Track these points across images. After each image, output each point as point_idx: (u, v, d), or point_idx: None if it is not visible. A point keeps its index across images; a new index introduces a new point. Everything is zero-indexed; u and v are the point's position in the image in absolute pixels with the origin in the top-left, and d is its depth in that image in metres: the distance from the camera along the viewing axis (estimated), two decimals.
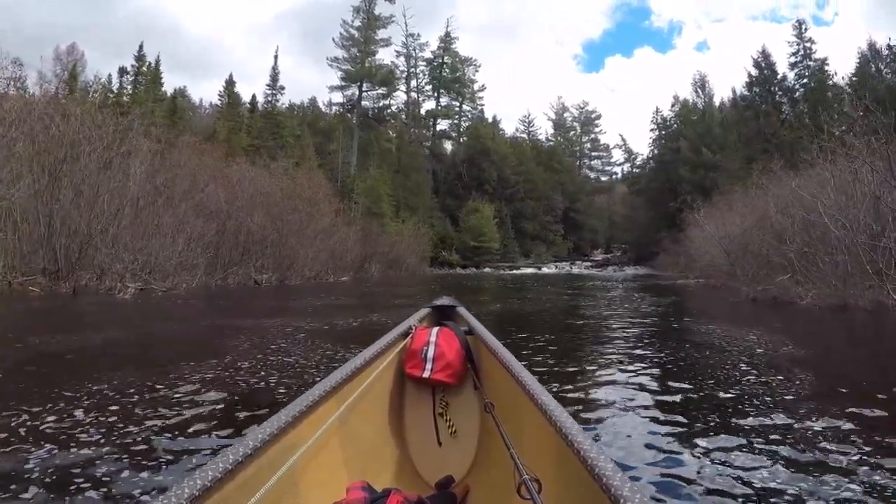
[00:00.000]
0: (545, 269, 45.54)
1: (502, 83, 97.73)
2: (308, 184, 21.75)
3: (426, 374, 1.99)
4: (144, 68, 39.52)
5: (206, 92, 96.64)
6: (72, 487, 1.94)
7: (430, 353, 2.01)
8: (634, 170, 61.74)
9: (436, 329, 2.13)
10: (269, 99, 43.41)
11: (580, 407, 3.34)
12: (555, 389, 3.68)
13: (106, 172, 13.52)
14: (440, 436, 2.02)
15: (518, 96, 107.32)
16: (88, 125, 14.51)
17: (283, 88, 43.77)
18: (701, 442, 2.64)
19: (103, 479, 2.02)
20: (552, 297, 14.23)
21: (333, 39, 49.30)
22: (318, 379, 2.42)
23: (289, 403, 1.38)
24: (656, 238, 41.74)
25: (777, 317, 8.77)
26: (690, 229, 21.76)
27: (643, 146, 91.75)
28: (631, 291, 16.55)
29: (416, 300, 11.14)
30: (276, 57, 46.03)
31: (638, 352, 5.52)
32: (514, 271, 43.08)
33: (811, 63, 39.68)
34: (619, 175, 67.94)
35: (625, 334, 6.71)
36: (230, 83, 44.25)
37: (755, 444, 2.61)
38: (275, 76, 43.49)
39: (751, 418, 3.09)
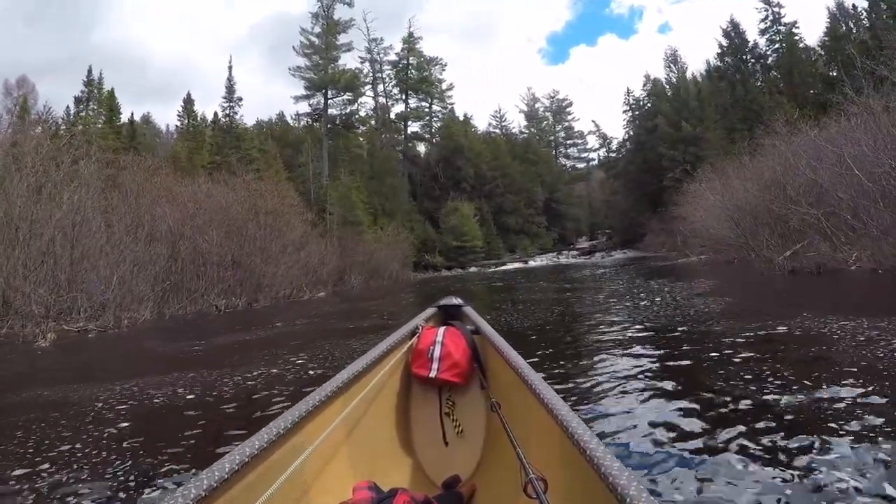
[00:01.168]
0: (532, 263, 44.34)
1: (470, 82, 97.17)
2: (271, 195, 19.90)
3: (433, 374, 1.98)
4: (96, 92, 37.56)
5: (173, 118, 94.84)
6: None
7: (437, 353, 2.00)
8: (610, 154, 61.08)
9: (442, 328, 2.12)
10: (227, 112, 41.50)
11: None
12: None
13: (37, 203, 12.00)
14: (447, 435, 1.99)
15: (487, 94, 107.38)
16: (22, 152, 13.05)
17: (240, 100, 41.86)
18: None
19: None
20: (548, 294, 12.45)
21: (294, 48, 47.65)
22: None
23: (296, 404, 1.39)
24: (640, 220, 41.32)
25: (840, 288, 7.44)
26: (683, 205, 20.62)
27: (616, 131, 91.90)
28: (635, 277, 14.85)
29: (379, 321, 9.24)
30: (230, 67, 43.75)
31: (686, 357, 4.28)
32: (501, 268, 41.86)
33: (781, 28, 39.19)
34: (596, 161, 67.16)
35: (665, 340, 5.28)
36: (188, 101, 42.50)
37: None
38: (230, 87, 41.61)
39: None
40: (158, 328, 11.03)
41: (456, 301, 2.53)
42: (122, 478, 2.63)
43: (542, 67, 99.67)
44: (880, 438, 2.31)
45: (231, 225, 16.39)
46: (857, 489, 1.91)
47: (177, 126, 44.34)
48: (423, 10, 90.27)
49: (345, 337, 7.51)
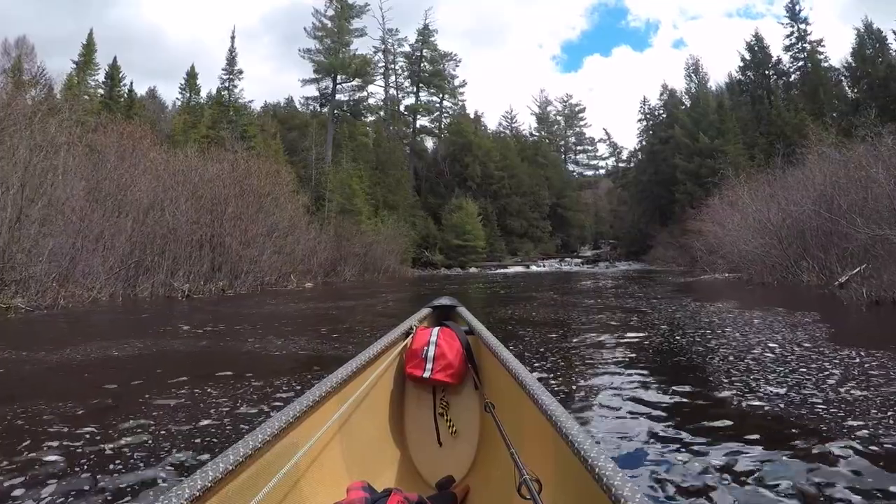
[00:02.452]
0: (535, 268, 42.83)
1: (483, 84, 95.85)
2: (258, 172, 18.12)
3: (427, 374, 1.95)
4: (86, 56, 36.30)
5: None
6: None
7: (431, 353, 1.98)
8: (619, 164, 59.88)
9: (436, 329, 2.10)
10: (226, 84, 39.93)
11: None
12: None
13: None
14: (441, 436, 1.98)
15: (498, 95, 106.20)
16: None
17: (241, 72, 40.36)
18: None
19: None
20: (570, 312, 9.42)
21: (305, 29, 46.27)
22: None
23: (290, 403, 1.34)
24: (648, 232, 40.21)
25: None
26: (702, 219, 19.18)
27: (626, 141, 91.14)
28: (673, 296, 11.66)
29: (340, 348, 5.78)
30: (233, 38, 42.07)
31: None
32: (502, 270, 40.39)
33: (806, 45, 37.92)
34: (604, 170, 65.77)
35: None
36: (192, 75, 41.08)
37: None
38: (231, 59, 40.00)
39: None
40: (96, 311, 9.50)
41: (450, 301, 2.49)
42: None
43: (555, 74, 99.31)
44: None
45: (212, 200, 14.77)
46: None
47: (178, 99, 43.08)
48: (435, 8, 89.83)
49: (270, 375, 4.44)
